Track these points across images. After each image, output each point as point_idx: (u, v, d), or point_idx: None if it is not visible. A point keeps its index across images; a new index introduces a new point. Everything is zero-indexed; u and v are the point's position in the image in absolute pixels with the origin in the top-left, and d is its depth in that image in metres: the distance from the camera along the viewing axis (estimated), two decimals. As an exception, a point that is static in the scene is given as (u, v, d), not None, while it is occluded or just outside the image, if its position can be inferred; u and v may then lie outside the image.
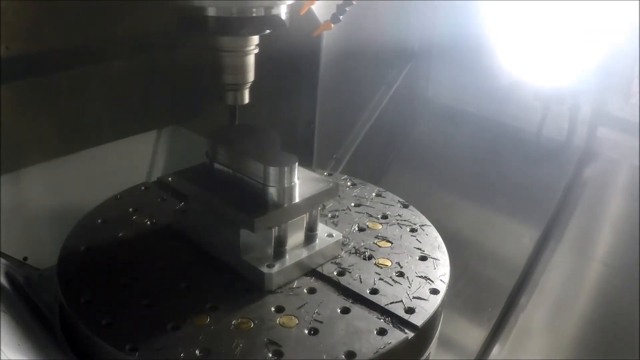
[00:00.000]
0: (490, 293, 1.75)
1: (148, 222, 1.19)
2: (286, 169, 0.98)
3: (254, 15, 1.04)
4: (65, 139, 1.54)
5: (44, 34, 1.40)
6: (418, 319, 0.93)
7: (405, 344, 0.90)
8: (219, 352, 0.85)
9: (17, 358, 0.79)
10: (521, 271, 1.72)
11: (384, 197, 1.33)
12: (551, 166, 1.79)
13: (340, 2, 1.12)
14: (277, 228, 1.02)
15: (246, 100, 1.16)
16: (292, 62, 1.67)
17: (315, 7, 1.29)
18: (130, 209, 1.23)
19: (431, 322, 0.96)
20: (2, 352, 0.77)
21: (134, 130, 1.72)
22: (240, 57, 1.10)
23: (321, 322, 0.92)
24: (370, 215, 1.25)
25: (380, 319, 0.93)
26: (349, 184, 1.39)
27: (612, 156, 1.72)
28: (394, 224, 1.22)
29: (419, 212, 1.27)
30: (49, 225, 1.46)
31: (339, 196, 1.29)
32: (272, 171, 0.98)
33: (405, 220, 1.23)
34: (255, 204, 0.99)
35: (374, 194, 1.34)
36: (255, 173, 1.01)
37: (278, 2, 1.05)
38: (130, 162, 1.42)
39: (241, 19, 1.04)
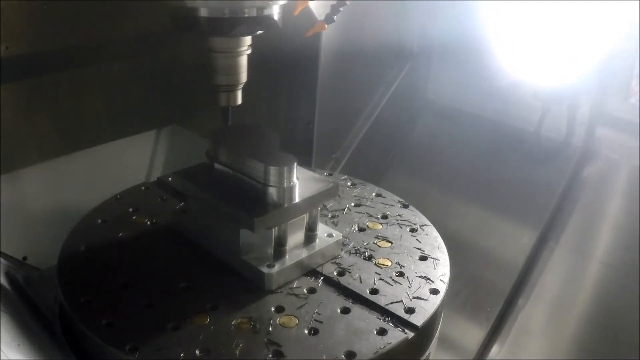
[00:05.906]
0: (489, 293, 1.76)
1: (148, 222, 1.19)
2: (286, 168, 0.98)
3: (246, 16, 1.04)
4: (65, 139, 1.54)
5: (44, 34, 1.39)
6: (418, 319, 0.93)
7: (405, 344, 0.90)
8: (219, 352, 0.85)
9: (17, 358, 0.79)
10: (519, 271, 1.72)
11: (384, 197, 1.34)
12: (550, 166, 1.79)
13: (335, 2, 1.11)
14: (277, 228, 1.02)
15: (239, 101, 1.15)
16: (291, 62, 1.67)
17: (314, 7, 1.30)
18: (130, 209, 1.24)
19: (431, 322, 0.96)
20: (2, 352, 0.77)
21: (133, 130, 1.73)
22: (232, 58, 1.10)
23: (321, 322, 0.92)
24: (370, 215, 1.25)
25: (380, 319, 0.93)
26: (349, 184, 1.39)
27: (612, 156, 1.73)
28: (394, 224, 1.22)
29: (419, 212, 1.27)
30: (48, 224, 1.47)
31: (339, 196, 1.29)
32: (272, 171, 0.98)
33: (405, 220, 1.23)
34: (255, 204, 0.99)
35: (374, 194, 1.34)
36: (255, 173, 1.01)
37: (270, 2, 1.05)
38: (130, 161, 1.44)
39: (233, 20, 1.03)
